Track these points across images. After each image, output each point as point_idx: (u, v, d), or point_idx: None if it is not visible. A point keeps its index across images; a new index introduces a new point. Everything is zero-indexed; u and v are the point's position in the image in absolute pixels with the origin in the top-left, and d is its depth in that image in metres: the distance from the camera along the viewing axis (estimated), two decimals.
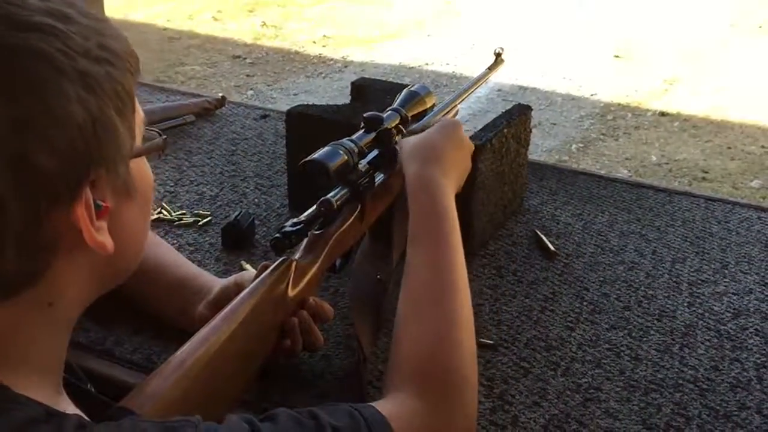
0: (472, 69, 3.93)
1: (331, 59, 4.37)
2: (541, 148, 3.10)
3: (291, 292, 0.72)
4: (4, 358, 0.48)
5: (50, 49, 0.45)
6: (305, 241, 0.76)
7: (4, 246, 0.45)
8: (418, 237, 0.73)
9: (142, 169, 0.54)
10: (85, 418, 0.49)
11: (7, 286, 0.47)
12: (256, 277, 0.73)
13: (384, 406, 0.59)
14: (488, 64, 1.13)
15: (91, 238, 0.48)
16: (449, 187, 0.77)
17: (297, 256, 0.75)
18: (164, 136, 0.57)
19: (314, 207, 0.76)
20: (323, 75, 4.14)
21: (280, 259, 0.72)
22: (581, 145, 3.30)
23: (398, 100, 0.91)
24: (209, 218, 1.07)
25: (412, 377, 0.63)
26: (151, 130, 0.56)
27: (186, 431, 0.48)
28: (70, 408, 0.52)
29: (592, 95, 3.80)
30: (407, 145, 0.81)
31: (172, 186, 1.17)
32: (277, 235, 0.72)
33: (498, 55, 1.13)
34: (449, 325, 0.66)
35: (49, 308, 0.49)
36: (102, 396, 0.60)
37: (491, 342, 0.84)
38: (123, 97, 0.50)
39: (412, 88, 0.93)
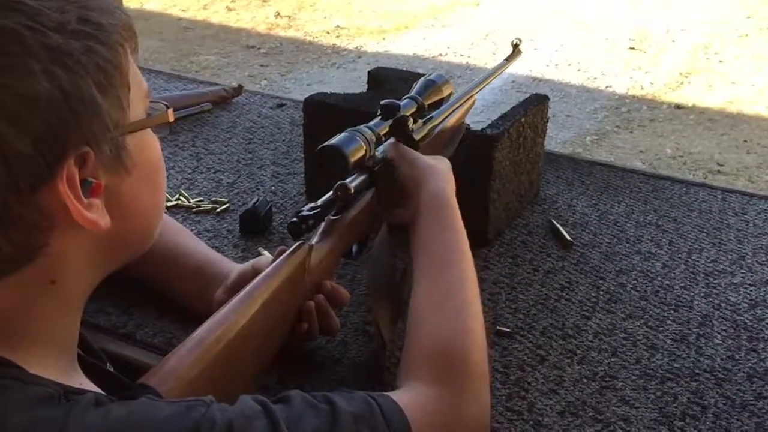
0: (486, 60, 3.92)
1: (345, 50, 4.37)
2: (555, 140, 3.09)
3: (307, 276, 0.73)
4: (17, 339, 0.48)
5: (14, 25, 0.44)
6: (321, 225, 0.77)
7: None
8: (432, 234, 0.75)
9: (145, 142, 0.53)
10: (103, 394, 0.50)
11: (3, 263, 0.46)
12: (274, 260, 0.73)
13: (399, 395, 0.60)
14: (506, 55, 1.13)
15: (80, 215, 0.47)
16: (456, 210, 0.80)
17: (313, 240, 0.75)
18: (169, 108, 0.55)
19: (331, 192, 0.77)
20: (337, 65, 4.14)
21: (297, 243, 0.73)
22: (595, 137, 3.29)
23: (415, 89, 0.91)
24: (227, 205, 1.08)
25: (427, 365, 0.64)
26: (158, 103, 0.55)
27: (198, 410, 0.48)
28: (85, 383, 0.52)
29: (606, 87, 3.78)
30: (421, 161, 0.82)
31: (189, 173, 1.18)
32: (294, 219, 0.73)
33: (516, 46, 1.13)
34: (463, 315, 0.68)
35: (52, 286, 0.49)
36: (121, 376, 0.61)
37: (508, 330, 0.85)
38: (108, 70, 0.48)
39: (429, 77, 0.94)
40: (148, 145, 0.53)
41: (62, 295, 0.50)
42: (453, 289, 0.70)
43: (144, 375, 0.57)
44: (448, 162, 0.85)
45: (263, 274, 0.70)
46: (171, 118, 0.55)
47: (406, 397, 0.60)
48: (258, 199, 1.04)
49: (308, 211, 0.73)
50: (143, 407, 0.48)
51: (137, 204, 0.53)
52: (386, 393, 0.59)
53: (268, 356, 0.69)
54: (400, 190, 0.81)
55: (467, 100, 1.01)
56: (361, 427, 0.53)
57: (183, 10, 4.96)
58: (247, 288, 0.68)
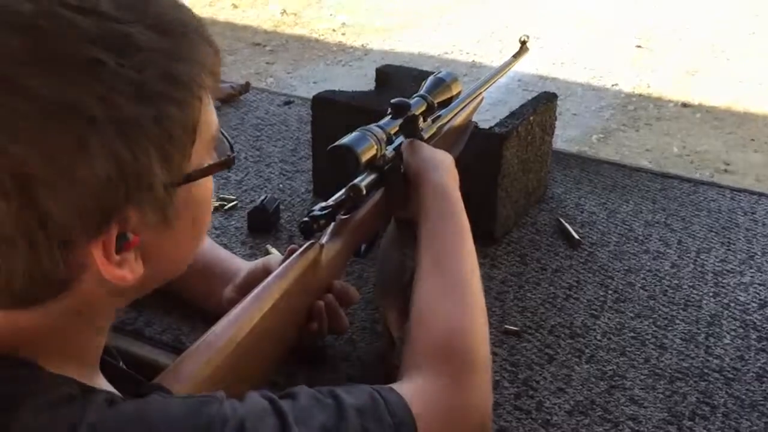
0: (493, 57, 3.91)
1: (351, 47, 4.36)
2: (561, 138, 3.08)
3: (318, 276, 0.73)
4: (39, 349, 0.47)
5: (85, 97, 0.40)
6: (332, 225, 0.77)
7: (13, 275, 0.42)
8: (436, 227, 0.75)
9: (196, 192, 0.49)
10: (117, 393, 0.50)
11: (25, 301, 0.45)
12: (284, 260, 0.73)
13: (402, 387, 0.60)
14: (513, 52, 1.13)
15: (109, 273, 0.45)
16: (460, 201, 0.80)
17: (324, 240, 0.75)
18: (233, 154, 0.52)
19: (342, 192, 0.77)
20: (343, 63, 4.14)
21: (308, 243, 0.73)
22: (602, 135, 3.28)
23: (424, 87, 0.91)
24: (235, 202, 1.08)
25: (430, 356, 0.64)
26: (223, 140, 0.51)
27: (211, 407, 0.48)
28: (104, 386, 0.53)
29: (613, 85, 3.77)
30: (424, 152, 0.82)
31: None
32: (305, 218, 0.73)
33: (523, 43, 1.13)
34: (466, 308, 0.68)
35: (78, 316, 0.48)
36: (135, 374, 0.61)
37: (516, 329, 0.85)
38: (176, 134, 0.45)
39: (438, 75, 0.93)
40: (199, 191, 0.50)
41: (88, 323, 0.50)
42: (455, 280, 0.70)
43: (157, 375, 0.57)
44: (449, 155, 0.84)
45: (274, 274, 0.70)
46: (232, 164, 0.52)
47: (409, 388, 0.60)
48: (266, 196, 1.04)
49: (319, 210, 0.73)
50: (155, 404, 0.48)
51: (174, 252, 0.51)
52: (390, 386, 0.59)
53: (279, 356, 0.69)
54: (407, 184, 0.81)
55: (475, 98, 1.01)
56: (366, 420, 0.53)
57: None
58: (258, 288, 0.68)
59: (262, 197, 1.04)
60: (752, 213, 1.12)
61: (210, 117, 0.49)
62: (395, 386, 0.59)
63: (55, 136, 0.40)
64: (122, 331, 0.81)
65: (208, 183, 0.51)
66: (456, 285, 0.70)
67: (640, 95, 3.67)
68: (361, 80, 3.66)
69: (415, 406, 0.57)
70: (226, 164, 0.51)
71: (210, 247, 0.88)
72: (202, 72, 0.47)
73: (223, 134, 0.52)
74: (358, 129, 0.77)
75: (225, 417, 0.47)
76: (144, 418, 0.46)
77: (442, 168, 0.80)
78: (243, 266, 0.83)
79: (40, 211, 0.41)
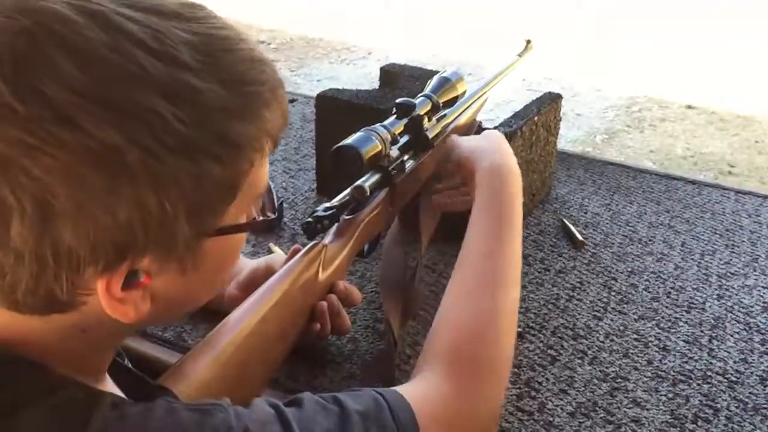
0: (497, 57, 3.91)
1: (355, 46, 4.36)
2: (565, 138, 3.08)
3: (321, 276, 0.72)
4: (46, 353, 0.47)
5: (124, 144, 0.39)
6: (335, 225, 0.76)
7: (16, 284, 0.41)
8: (482, 222, 0.73)
9: (222, 245, 0.47)
10: (122, 396, 0.49)
11: (25, 309, 0.44)
12: (288, 260, 0.73)
13: (409, 388, 0.59)
14: (518, 51, 1.12)
15: (110, 307, 0.44)
16: (520, 182, 0.77)
17: (327, 240, 0.75)
18: (271, 217, 0.50)
19: (346, 192, 0.76)
20: (347, 62, 4.14)
21: (312, 243, 0.73)
22: (606, 136, 3.28)
23: (430, 86, 0.91)
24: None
25: (446, 360, 0.63)
26: (271, 196, 0.51)
27: (217, 415, 0.47)
28: (109, 388, 0.52)
29: (617, 86, 3.76)
30: (470, 142, 0.81)
31: None
32: (309, 219, 0.73)
33: (528, 42, 1.13)
34: (493, 317, 0.65)
35: (82, 333, 0.47)
36: (138, 372, 0.61)
37: (519, 329, 0.84)
38: (213, 192, 0.43)
39: (443, 74, 0.93)
40: (224, 246, 0.48)
41: (93, 341, 0.49)
42: (489, 279, 0.68)
43: (162, 376, 0.57)
44: (495, 136, 0.82)
45: (278, 274, 0.69)
46: (268, 227, 0.50)
47: (415, 389, 0.59)
48: None
49: (323, 211, 0.73)
50: (160, 411, 0.47)
51: (187, 296, 0.49)
52: (395, 387, 0.58)
53: (281, 357, 0.69)
54: (462, 181, 0.82)
55: (479, 97, 1.00)
56: (370, 425, 0.53)
57: None
58: (262, 289, 0.68)
59: None
60: (756, 215, 1.12)
61: (259, 177, 0.47)
62: (402, 388, 0.59)
63: (87, 173, 0.39)
64: None
65: (237, 238, 0.49)
66: (488, 285, 0.67)
67: (644, 96, 3.67)
68: (366, 79, 3.66)
69: (419, 405, 0.57)
70: (260, 226, 0.50)
71: None
72: (262, 135, 0.45)
73: (271, 193, 0.50)
74: (363, 129, 0.77)
75: (229, 426, 0.47)
76: (148, 425, 0.45)
77: (506, 153, 0.79)
78: (246, 264, 0.83)
79: (54, 237, 0.40)
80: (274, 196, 0.49)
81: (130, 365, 0.59)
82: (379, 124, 0.79)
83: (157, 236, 0.42)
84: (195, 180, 0.42)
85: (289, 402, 0.53)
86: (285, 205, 1.06)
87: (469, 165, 0.78)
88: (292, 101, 1.46)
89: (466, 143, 0.81)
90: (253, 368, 0.64)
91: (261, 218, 0.50)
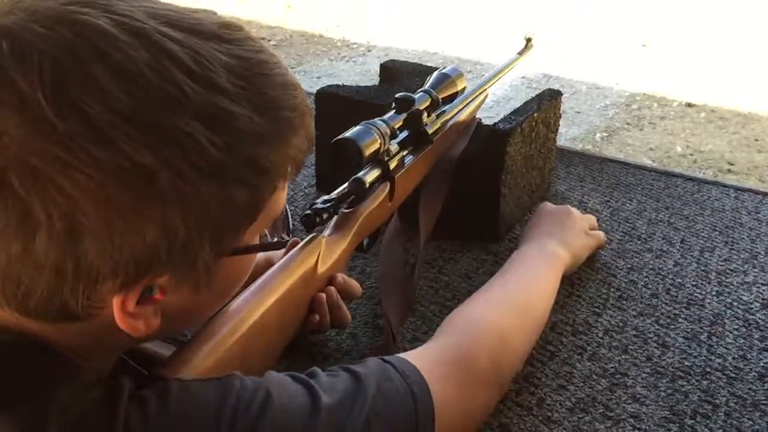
0: (496, 55, 3.90)
1: (355, 43, 4.36)
2: (564, 136, 3.08)
3: (320, 269, 0.73)
4: (58, 347, 0.47)
5: (158, 165, 0.39)
6: (334, 218, 0.76)
7: (31, 293, 0.42)
8: (526, 258, 0.85)
9: (236, 264, 0.48)
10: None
11: (37, 315, 0.44)
12: (286, 252, 0.73)
13: (410, 353, 0.62)
14: (518, 49, 1.12)
15: (122, 322, 0.44)
16: (561, 259, 0.86)
17: (326, 233, 0.75)
18: (287, 239, 0.52)
19: (345, 185, 0.76)
20: (346, 58, 4.14)
21: (310, 236, 0.73)
22: (605, 134, 3.28)
23: (429, 82, 0.91)
24: None
25: (462, 344, 0.66)
26: (287, 217, 0.52)
27: (233, 383, 0.48)
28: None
29: (617, 84, 3.76)
30: (530, 229, 0.91)
31: None
32: (308, 211, 0.73)
33: (528, 40, 1.13)
34: (527, 339, 0.74)
35: (92, 339, 0.47)
36: (136, 365, 0.61)
37: None
38: (236, 218, 0.44)
39: (443, 71, 0.93)
40: (238, 265, 0.49)
41: (103, 348, 0.49)
42: (523, 300, 0.76)
43: (159, 366, 0.57)
44: (563, 217, 0.92)
45: (276, 266, 0.69)
46: (283, 247, 0.52)
47: (417, 353, 0.62)
48: None
49: (322, 203, 0.73)
50: (176, 390, 0.47)
51: (196, 312, 0.50)
52: (396, 356, 0.60)
53: (280, 349, 0.69)
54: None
55: (479, 94, 1.01)
56: (381, 381, 0.54)
57: (193, 0, 4.97)
58: (260, 280, 0.67)
59: None
60: (756, 212, 1.12)
61: (278, 200, 0.48)
62: (403, 354, 0.61)
63: (118, 193, 0.39)
64: None
65: (250, 257, 0.50)
66: (522, 305, 0.75)
67: (644, 94, 3.67)
68: (366, 76, 3.66)
69: (423, 368, 0.58)
70: (276, 247, 0.52)
71: None
72: (287, 161, 0.46)
73: (287, 214, 0.52)
74: (362, 123, 0.77)
75: (249, 388, 0.47)
76: (168, 408, 0.46)
77: (551, 233, 0.89)
78: None
79: (78, 253, 0.40)
80: (289, 218, 0.51)
81: (125, 356, 0.59)
82: (378, 118, 0.79)
83: (179, 257, 0.42)
84: (221, 204, 0.42)
85: (306, 374, 0.54)
86: None
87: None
88: None
89: (529, 230, 0.92)
90: (252, 359, 0.64)
91: (276, 239, 0.51)
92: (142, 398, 0.45)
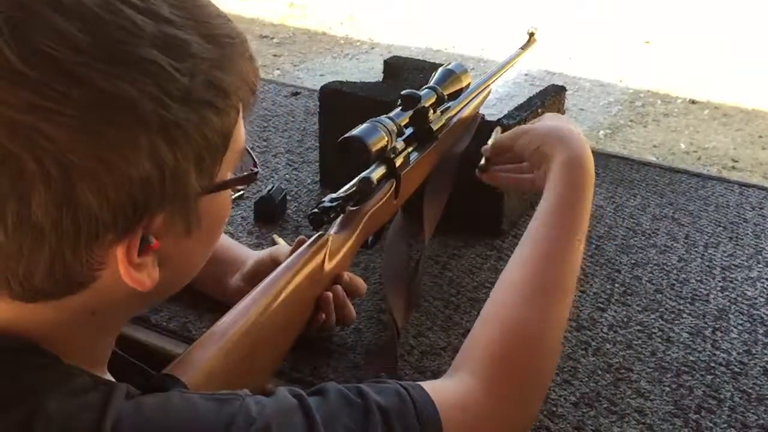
0: (500, 51, 3.90)
1: (358, 40, 4.36)
2: None
3: (327, 267, 0.73)
4: (50, 343, 0.47)
5: (137, 94, 0.41)
6: (341, 216, 0.77)
7: (34, 267, 0.42)
8: (553, 224, 0.68)
9: (217, 201, 0.50)
10: (131, 387, 0.49)
11: (40, 294, 0.44)
12: (293, 251, 0.73)
13: (440, 386, 0.57)
14: (521, 44, 1.12)
15: (128, 276, 0.45)
16: (593, 181, 0.72)
17: (333, 231, 0.75)
18: (256, 170, 0.52)
19: (352, 183, 0.76)
20: (350, 56, 4.14)
21: (317, 234, 0.73)
22: (609, 131, 3.27)
23: (434, 78, 0.91)
24: (242, 192, 1.08)
25: (486, 364, 0.59)
26: (248, 155, 0.52)
27: (233, 403, 0.47)
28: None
29: (620, 81, 3.76)
30: (545, 124, 0.77)
31: None
32: (315, 209, 0.73)
33: (531, 35, 1.12)
34: (545, 326, 0.62)
35: (92, 316, 0.48)
36: (144, 366, 0.61)
37: None
38: (213, 141, 0.45)
39: (448, 67, 0.93)
40: (219, 203, 0.50)
41: (101, 324, 0.50)
42: (546, 285, 0.64)
43: (164, 362, 0.57)
44: (567, 119, 0.79)
45: (283, 265, 0.70)
46: (255, 180, 0.53)
47: (446, 390, 0.56)
48: (272, 186, 1.04)
49: (329, 202, 0.73)
50: (176, 399, 0.47)
51: (188, 259, 0.51)
52: (426, 382, 0.56)
53: (287, 347, 0.69)
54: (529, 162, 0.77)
55: (483, 90, 1.00)
56: (392, 420, 0.51)
57: None
58: (268, 279, 0.68)
59: (269, 187, 1.04)
60: (760, 208, 1.12)
61: (241, 131, 0.49)
62: (431, 385, 0.56)
63: (102, 128, 0.40)
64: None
65: (228, 196, 0.52)
66: (549, 293, 0.63)
67: (648, 91, 3.66)
68: (369, 73, 3.66)
69: (445, 406, 0.54)
70: (249, 179, 0.52)
71: None
72: (243, 85, 0.47)
73: (248, 150, 0.52)
74: (369, 121, 0.77)
75: (249, 413, 0.46)
76: (165, 415, 0.45)
77: (576, 139, 0.73)
78: (250, 255, 0.83)
79: (77, 201, 0.41)
80: (253, 155, 0.53)
81: (126, 356, 0.60)
82: (384, 115, 0.79)
83: (173, 193, 0.44)
84: (198, 128, 0.44)
85: (313, 392, 0.52)
86: (288, 197, 1.06)
87: (548, 150, 0.73)
88: (295, 94, 1.46)
89: (541, 125, 0.77)
90: (259, 358, 0.64)
91: (247, 172, 0.52)
92: (138, 405, 0.45)
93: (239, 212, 1.04)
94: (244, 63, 0.48)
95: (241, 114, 0.48)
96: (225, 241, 0.86)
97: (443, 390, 0.56)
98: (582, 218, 0.69)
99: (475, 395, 0.57)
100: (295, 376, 0.75)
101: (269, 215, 1.02)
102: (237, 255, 0.83)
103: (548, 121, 0.80)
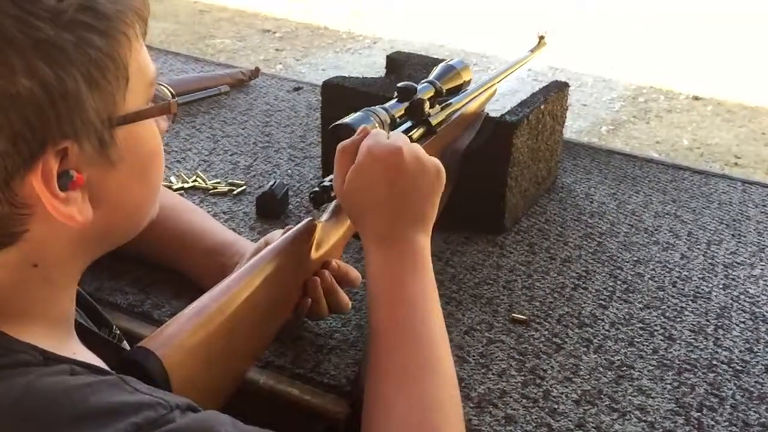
0: (502, 47, 3.89)
1: (360, 35, 4.35)
2: (570, 129, 3.07)
3: (314, 253, 0.73)
4: (3, 311, 0.48)
5: (3, 19, 0.41)
6: (332, 205, 0.77)
7: None
8: (389, 329, 0.63)
9: (137, 134, 0.50)
10: (92, 363, 0.49)
11: None
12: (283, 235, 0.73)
13: None
14: (530, 47, 1.12)
15: (54, 210, 0.45)
16: (420, 239, 0.66)
17: (323, 218, 0.76)
18: (174, 99, 0.52)
19: None
20: (352, 51, 4.13)
21: (306, 220, 0.73)
22: (611, 127, 3.27)
23: (434, 73, 0.90)
24: (244, 187, 1.08)
25: None
26: (164, 88, 0.52)
27: (156, 409, 0.44)
28: (80, 352, 0.52)
29: (623, 77, 3.75)
30: (345, 200, 0.69)
31: (206, 155, 1.18)
32: (316, 188, 0.73)
33: (541, 38, 1.12)
34: (435, 402, 0.58)
35: (35, 269, 0.48)
36: (114, 342, 0.62)
37: (524, 317, 0.84)
38: (102, 63, 0.45)
39: (449, 62, 0.93)
40: (142, 137, 0.50)
41: (47, 277, 0.49)
42: (423, 362, 0.60)
43: (144, 339, 0.57)
44: (387, 159, 0.66)
45: (270, 247, 0.70)
46: (173, 110, 0.52)
47: None
48: (275, 181, 1.04)
49: (329, 181, 0.73)
50: (99, 388, 0.45)
51: (124, 197, 0.50)
52: None
53: (270, 331, 0.69)
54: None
55: (488, 88, 1.00)
56: None
57: None
58: (252, 261, 0.68)
59: (271, 182, 1.04)
60: (763, 206, 1.11)
61: (144, 62, 0.50)
62: None
63: None
64: (130, 314, 0.81)
65: (152, 132, 0.52)
66: (424, 368, 0.60)
67: (651, 87, 3.65)
68: (371, 68, 3.65)
69: None
70: (164, 109, 0.51)
71: (219, 229, 0.88)
72: (127, 11, 0.47)
73: (163, 85, 0.52)
74: (362, 109, 0.77)
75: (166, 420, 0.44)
76: (57, 398, 0.44)
77: (383, 213, 0.66)
78: (248, 246, 0.83)
79: None
80: (168, 88, 0.53)
81: (106, 335, 0.59)
82: (379, 105, 0.79)
83: (68, 114, 0.44)
84: (78, 48, 0.44)
85: None
86: (290, 192, 1.06)
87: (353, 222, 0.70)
88: (297, 89, 1.46)
89: (345, 200, 0.69)
90: (240, 337, 0.63)
91: (160, 102, 0.51)
92: (29, 386, 0.44)
93: (241, 207, 1.04)
94: None
95: (137, 43, 0.48)
96: (225, 235, 0.86)
97: None
98: (420, 276, 0.64)
99: None
100: (297, 371, 0.75)
101: (271, 210, 1.02)
102: (238, 249, 0.83)
103: (367, 167, 0.66)
